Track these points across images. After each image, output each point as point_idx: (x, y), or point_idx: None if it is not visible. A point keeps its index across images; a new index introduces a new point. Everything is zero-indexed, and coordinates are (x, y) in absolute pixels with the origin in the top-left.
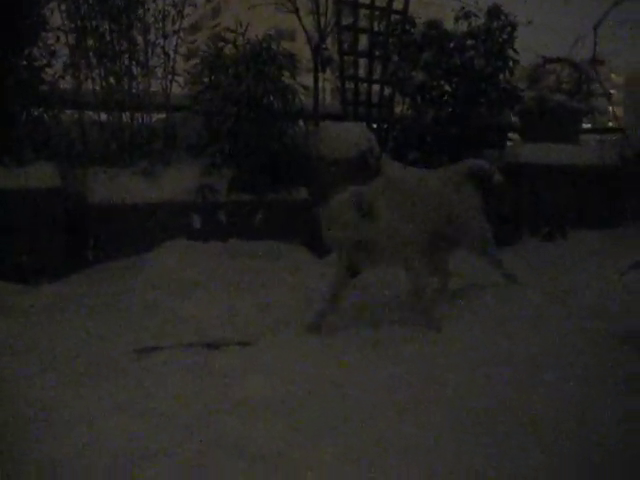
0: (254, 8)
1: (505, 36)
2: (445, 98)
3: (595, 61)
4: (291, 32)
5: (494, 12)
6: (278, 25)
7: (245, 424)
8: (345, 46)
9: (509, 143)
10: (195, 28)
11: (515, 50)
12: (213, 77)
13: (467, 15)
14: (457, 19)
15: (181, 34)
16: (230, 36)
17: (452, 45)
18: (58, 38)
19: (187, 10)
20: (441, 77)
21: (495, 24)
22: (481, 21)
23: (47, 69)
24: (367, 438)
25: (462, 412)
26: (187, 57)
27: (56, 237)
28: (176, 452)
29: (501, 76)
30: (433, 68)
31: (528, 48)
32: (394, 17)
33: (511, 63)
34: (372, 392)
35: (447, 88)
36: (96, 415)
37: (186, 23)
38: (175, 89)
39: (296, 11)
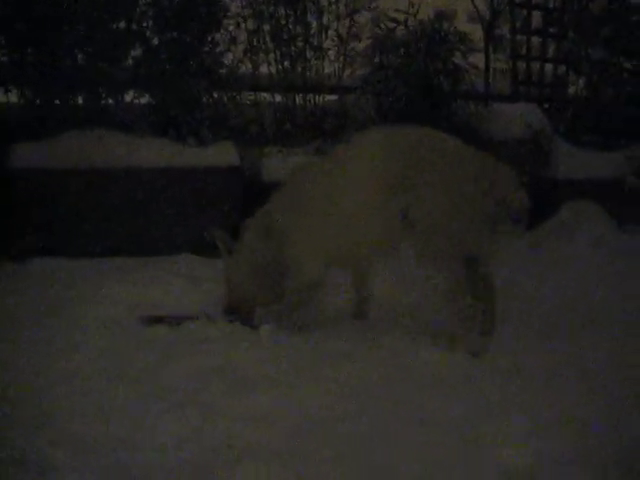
0: None
1: None
2: (625, 76)
3: None
4: (451, 12)
5: None
6: (438, 5)
7: (422, 395)
8: (517, 24)
9: None
10: (354, 10)
11: None
12: (384, 58)
13: None
14: None
15: (354, 16)
16: (400, 17)
17: (635, 19)
18: (238, 24)
19: None
20: (621, 54)
21: None
22: None
23: (227, 54)
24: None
25: None
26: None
27: (234, 213)
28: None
29: None
30: (613, 44)
31: None
32: None
33: None
34: None
35: (627, 66)
36: (282, 379)
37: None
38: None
39: None
